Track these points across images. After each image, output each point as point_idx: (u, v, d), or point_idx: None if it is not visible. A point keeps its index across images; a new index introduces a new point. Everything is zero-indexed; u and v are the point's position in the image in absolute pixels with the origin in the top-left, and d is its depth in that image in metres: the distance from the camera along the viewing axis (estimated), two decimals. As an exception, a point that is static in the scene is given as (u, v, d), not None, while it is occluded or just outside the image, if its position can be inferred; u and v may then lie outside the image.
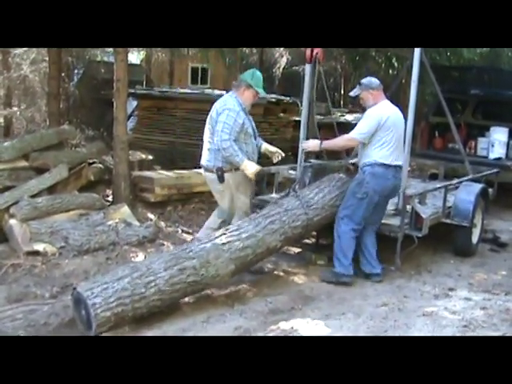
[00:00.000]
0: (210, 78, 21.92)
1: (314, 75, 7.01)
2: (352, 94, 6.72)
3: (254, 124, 6.52)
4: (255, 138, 6.49)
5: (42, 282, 5.96)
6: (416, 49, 6.78)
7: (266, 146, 6.65)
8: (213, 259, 5.37)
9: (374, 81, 6.53)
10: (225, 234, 5.67)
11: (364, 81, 6.54)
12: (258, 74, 6.47)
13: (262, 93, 6.34)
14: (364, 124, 6.41)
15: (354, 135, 6.45)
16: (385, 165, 6.34)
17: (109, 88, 10.06)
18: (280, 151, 6.66)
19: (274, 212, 6.06)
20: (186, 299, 5.59)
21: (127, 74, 8.41)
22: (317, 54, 6.81)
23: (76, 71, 18.08)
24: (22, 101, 13.33)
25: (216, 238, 5.62)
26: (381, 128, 6.27)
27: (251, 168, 6.19)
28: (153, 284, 5.01)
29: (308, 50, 6.92)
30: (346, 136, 6.64)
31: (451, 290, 6.30)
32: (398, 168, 6.51)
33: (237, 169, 6.24)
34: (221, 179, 6.31)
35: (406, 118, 6.80)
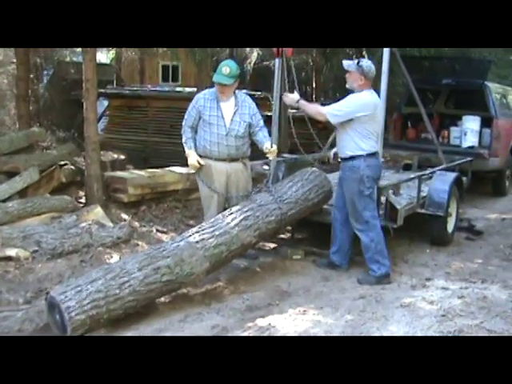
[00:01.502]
0: (180, 75, 21.80)
1: (284, 69, 6.88)
2: (345, 65, 6.22)
3: (233, 116, 6.36)
4: (228, 130, 6.33)
5: (16, 288, 5.82)
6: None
7: (266, 145, 6.38)
8: (187, 257, 5.31)
9: (373, 71, 6.23)
10: (198, 231, 5.61)
11: (364, 64, 6.15)
12: (224, 62, 6.46)
13: (215, 78, 6.24)
14: (343, 106, 6.17)
15: (327, 113, 6.19)
16: (374, 153, 6.27)
17: (79, 88, 9.91)
18: (275, 149, 6.37)
19: (247, 208, 6.00)
20: (163, 299, 5.52)
21: (97, 73, 8.30)
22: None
23: (45, 72, 17.89)
24: (-10, 104, 13.14)
25: (190, 235, 5.56)
26: (363, 119, 6.09)
27: (189, 160, 6.39)
28: (127, 285, 4.94)
29: (275, 45, 6.81)
30: (320, 108, 6.35)
31: (428, 279, 6.32)
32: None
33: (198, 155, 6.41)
34: None
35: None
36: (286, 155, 8.39)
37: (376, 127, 6.35)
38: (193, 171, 6.47)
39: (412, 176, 7.83)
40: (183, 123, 6.46)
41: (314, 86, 18.59)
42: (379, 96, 6.95)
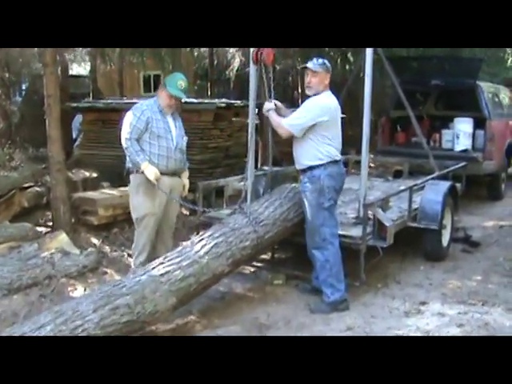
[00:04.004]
0: (163, 84, 21.23)
1: (262, 76, 6.33)
2: (312, 67, 5.72)
3: (176, 130, 6.00)
4: (176, 143, 5.94)
5: (-37, 331, 5.24)
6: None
7: (183, 177, 6.16)
8: (149, 294, 4.70)
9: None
10: (163, 262, 5.00)
11: (326, 61, 5.77)
12: (177, 75, 6.12)
13: (173, 92, 5.82)
14: (301, 114, 5.71)
15: (287, 125, 5.70)
16: (336, 161, 5.74)
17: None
18: (185, 189, 6.18)
19: (219, 233, 5.41)
20: (127, 338, 4.94)
21: (65, 87, 7.76)
22: (261, 54, 6.14)
23: (24, 87, 17.40)
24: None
25: (153, 268, 4.95)
26: (324, 124, 5.60)
27: (149, 171, 5.72)
28: (80, 329, 4.31)
29: (254, 50, 6.27)
30: (282, 122, 5.77)
31: (423, 303, 5.79)
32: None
33: (138, 170, 5.81)
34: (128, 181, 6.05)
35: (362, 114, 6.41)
36: (266, 168, 7.79)
37: (337, 133, 5.81)
38: (155, 182, 5.82)
39: (402, 188, 7.27)
40: (127, 136, 5.78)
41: (299, 90, 18.07)
42: (363, 100, 6.42)
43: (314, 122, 5.58)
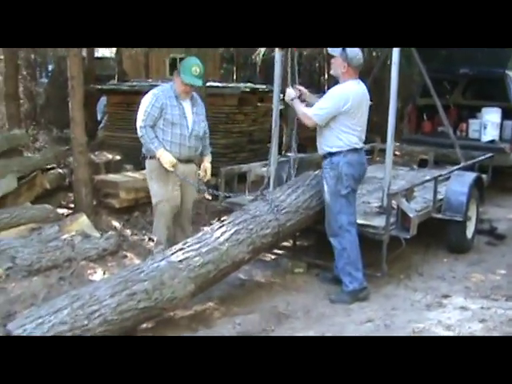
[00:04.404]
0: (189, 67, 21.10)
1: (288, 62, 6.24)
2: (330, 50, 5.76)
3: (192, 116, 5.93)
4: (191, 130, 5.89)
5: (-18, 311, 5.22)
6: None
7: (205, 162, 6.14)
8: (168, 280, 4.66)
9: (358, 58, 5.61)
10: (182, 248, 4.95)
11: (350, 51, 5.55)
12: (191, 59, 5.95)
13: (187, 79, 5.72)
14: (325, 103, 5.62)
15: (313, 115, 5.62)
16: (357, 149, 5.65)
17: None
18: (207, 174, 6.10)
19: (239, 220, 5.35)
20: (145, 324, 4.88)
21: (90, 69, 7.71)
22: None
23: (50, 68, 17.39)
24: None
25: (172, 254, 4.90)
26: (347, 112, 5.50)
27: (165, 158, 5.68)
28: (97, 314, 4.30)
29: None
30: (307, 111, 5.69)
31: (445, 296, 5.66)
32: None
33: (152, 156, 5.82)
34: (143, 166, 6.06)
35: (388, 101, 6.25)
36: (290, 154, 7.71)
37: (361, 121, 5.71)
38: (172, 169, 5.76)
39: (427, 178, 7.13)
40: (141, 124, 5.79)
41: (326, 76, 17.90)
42: (389, 87, 6.30)
43: (337, 112, 5.51)
